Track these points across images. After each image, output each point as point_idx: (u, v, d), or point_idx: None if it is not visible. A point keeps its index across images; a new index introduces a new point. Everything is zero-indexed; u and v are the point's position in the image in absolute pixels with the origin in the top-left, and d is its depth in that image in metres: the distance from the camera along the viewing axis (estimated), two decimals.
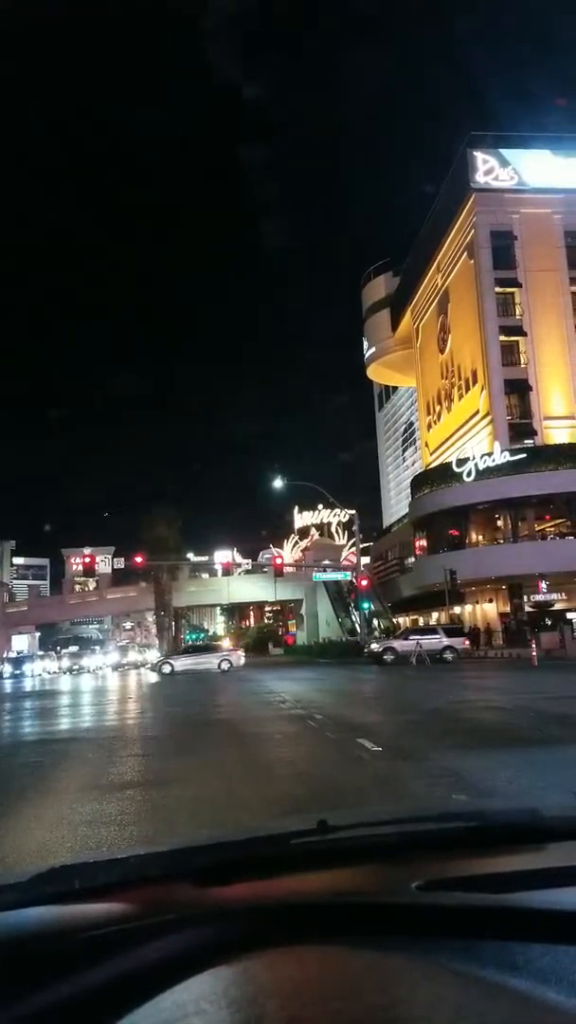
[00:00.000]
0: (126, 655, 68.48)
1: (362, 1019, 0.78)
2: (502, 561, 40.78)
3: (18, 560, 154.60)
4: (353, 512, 55.39)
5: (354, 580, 49.00)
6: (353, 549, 57.29)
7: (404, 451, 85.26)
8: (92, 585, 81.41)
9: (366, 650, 38.13)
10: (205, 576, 77.12)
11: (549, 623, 37.99)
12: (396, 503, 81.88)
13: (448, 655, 33.28)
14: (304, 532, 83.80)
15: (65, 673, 57.19)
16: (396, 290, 65.54)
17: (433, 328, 56.61)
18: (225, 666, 35.22)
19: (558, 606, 40.75)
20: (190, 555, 72.40)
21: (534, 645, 29.27)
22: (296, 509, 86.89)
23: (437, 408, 56.65)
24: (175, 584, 64.23)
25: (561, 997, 0.81)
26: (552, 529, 43.90)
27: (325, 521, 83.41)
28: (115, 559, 65.96)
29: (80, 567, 62.39)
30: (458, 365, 50.90)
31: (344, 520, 76.50)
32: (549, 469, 40.41)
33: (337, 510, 74.91)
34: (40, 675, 54.45)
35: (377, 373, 75.49)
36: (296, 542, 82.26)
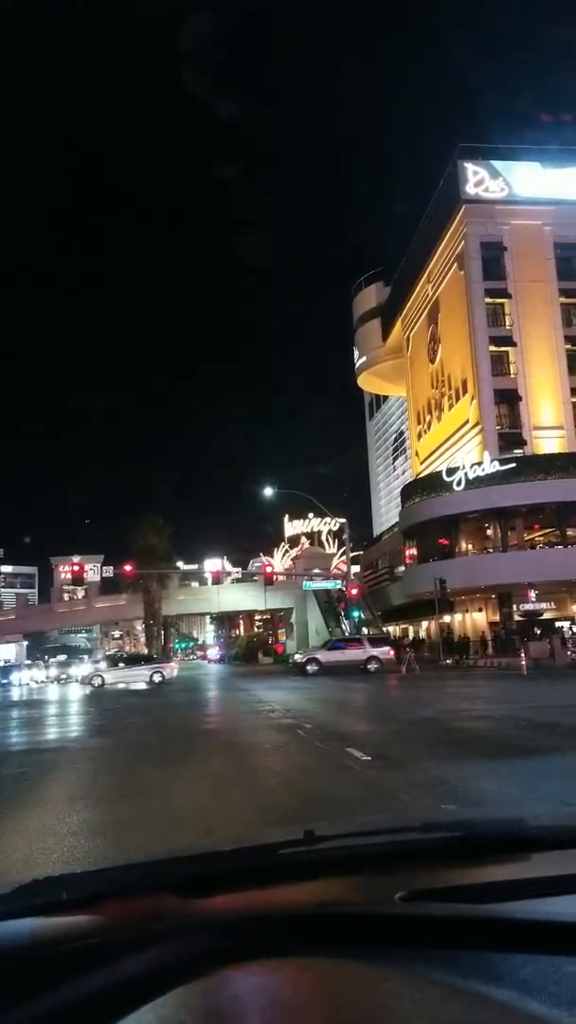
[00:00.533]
0: (68, 668, 63.51)
1: None
2: (492, 570, 40.85)
3: (6, 568, 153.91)
4: (343, 521, 55.37)
5: (344, 589, 48.94)
6: (343, 558, 57.25)
7: (394, 460, 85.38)
8: (81, 594, 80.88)
9: (290, 661, 37.84)
10: (195, 585, 76.76)
11: (538, 632, 38.06)
12: (386, 512, 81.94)
13: (372, 666, 33.22)
14: (294, 541, 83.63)
15: (53, 682, 56.80)
16: (387, 300, 65.77)
17: (423, 338, 56.82)
18: (157, 679, 34.51)
19: (547, 615, 40.84)
20: (180, 563, 72.12)
21: (523, 654, 29.30)
22: (286, 518, 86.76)
23: (427, 417, 56.81)
24: (164, 593, 63.92)
25: (543, 1008, 0.81)
26: (541, 538, 44.02)
27: (315, 530, 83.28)
28: (104, 567, 65.64)
29: (69, 575, 62.16)
30: (448, 375, 51.09)
31: (334, 529, 76.40)
32: (538, 479, 40.58)
33: (327, 519, 74.82)
34: (28, 684, 54.05)
35: (368, 382, 75.65)
36: (286, 551, 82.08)
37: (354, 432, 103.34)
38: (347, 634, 49.99)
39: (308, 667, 33.92)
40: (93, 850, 5.04)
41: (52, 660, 76.25)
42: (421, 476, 53.00)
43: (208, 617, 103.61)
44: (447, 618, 44.56)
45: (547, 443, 44.77)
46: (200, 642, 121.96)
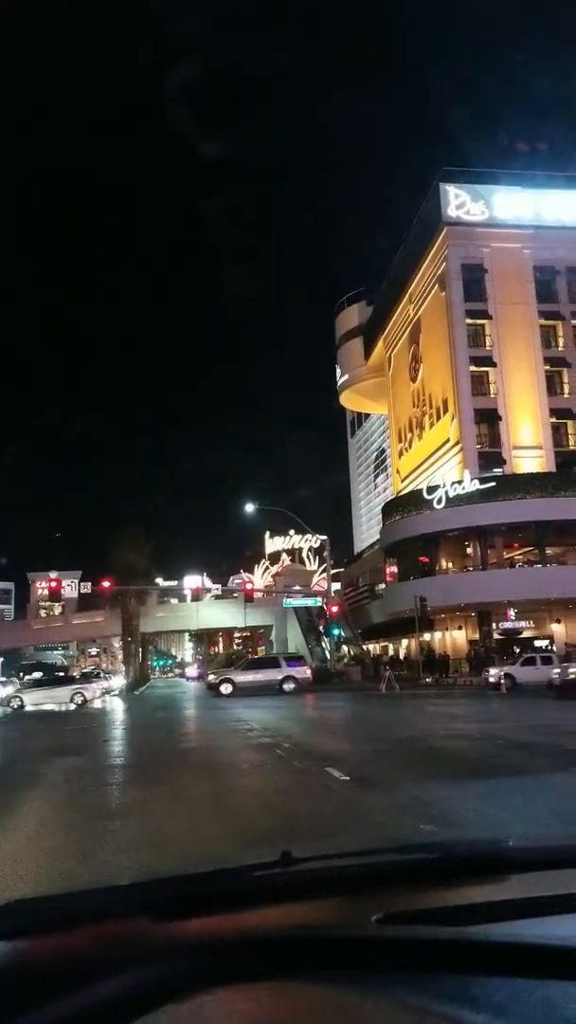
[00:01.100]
0: None
1: None
2: (471, 588, 41.01)
3: None
4: (324, 538, 55.49)
5: (325, 606, 48.89)
6: (324, 575, 57.27)
7: (375, 478, 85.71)
8: (58, 610, 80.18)
9: (206, 681, 37.12)
10: (174, 601, 76.27)
11: (517, 651, 38.20)
12: (367, 529, 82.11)
13: (288, 686, 33.05)
14: (275, 558, 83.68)
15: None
16: (369, 319, 66.30)
17: (405, 357, 57.30)
18: (79, 700, 33.55)
19: (526, 634, 41.02)
20: (159, 580, 71.68)
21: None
22: (267, 534, 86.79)
23: (408, 436, 57.17)
24: (143, 609, 63.44)
25: None
26: (521, 557, 44.29)
27: (296, 547, 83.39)
28: (82, 583, 64.89)
29: (46, 591, 61.51)
30: (429, 394, 51.51)
31: (315, 546, 76.53)
32: (518, 497, 40.87)
33: (308, 536, 74.94)
34: None
35: (349, 400, 76.06)
36: (267, 567, 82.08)
37: (336, 451, 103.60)
38: (328, 652, 49.92)
39: (222, 687, 33.42)
40: (68, 872, 4.97)
41: (28, 678, 75.10)
42: (402, 494, 53.23)
43: (187, 634, 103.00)
44: (427, 636, 44.61)
45: (526, 463, 45.19)
46: (179, 660, 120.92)
